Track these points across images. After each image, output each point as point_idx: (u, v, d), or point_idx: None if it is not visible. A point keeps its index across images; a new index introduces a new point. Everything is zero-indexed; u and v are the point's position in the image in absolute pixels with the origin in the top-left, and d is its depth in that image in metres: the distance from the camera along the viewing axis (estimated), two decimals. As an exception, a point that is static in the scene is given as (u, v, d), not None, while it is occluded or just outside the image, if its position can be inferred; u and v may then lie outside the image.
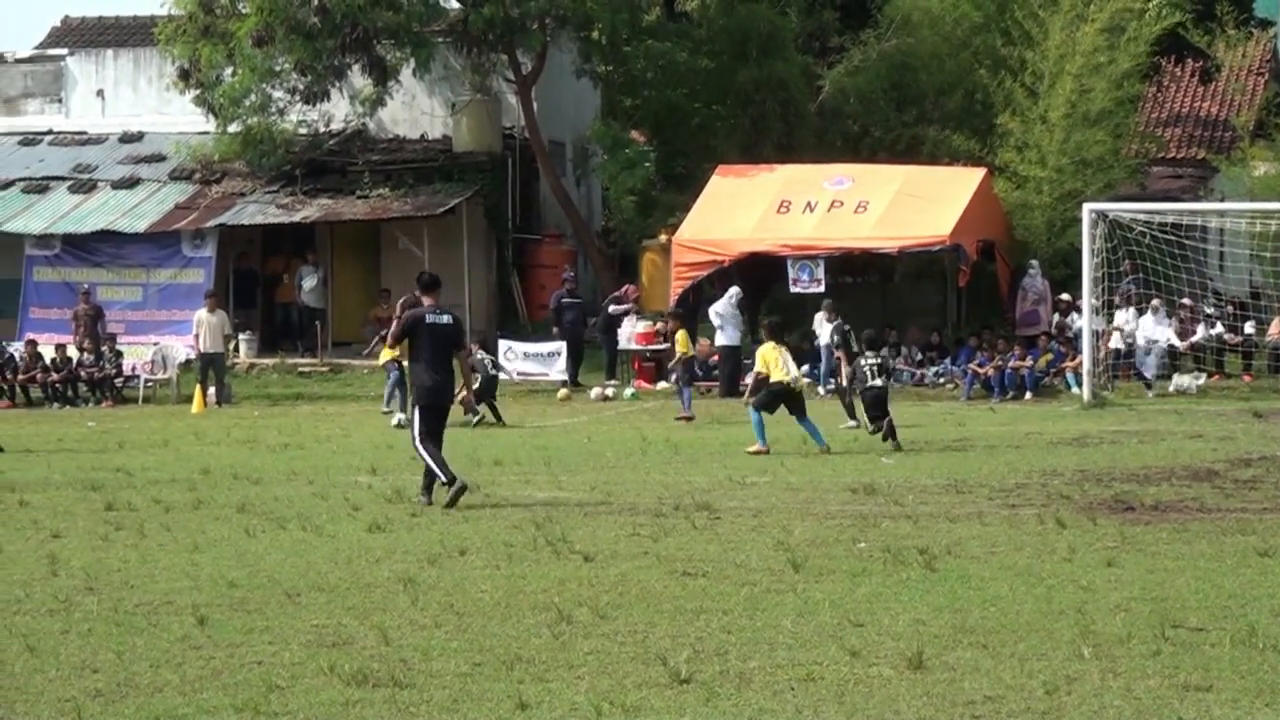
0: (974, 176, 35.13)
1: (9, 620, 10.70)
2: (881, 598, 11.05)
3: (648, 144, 41.20)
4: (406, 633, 10.13)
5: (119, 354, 35.70)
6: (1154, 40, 37.30)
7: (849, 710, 8.27)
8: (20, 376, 35.16)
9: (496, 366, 29.87)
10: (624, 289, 35.81)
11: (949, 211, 33.46)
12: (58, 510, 16.30)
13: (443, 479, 16.25)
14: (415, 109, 40.10)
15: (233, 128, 38.59)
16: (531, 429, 26.87)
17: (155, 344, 36.37)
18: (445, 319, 16.84)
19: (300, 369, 36.76)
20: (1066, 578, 11.71)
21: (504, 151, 39.04)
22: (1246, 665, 9.01)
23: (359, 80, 38.34)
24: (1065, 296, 34.05)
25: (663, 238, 36.59)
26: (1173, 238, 31.38)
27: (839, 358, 26.81)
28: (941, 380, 33.31)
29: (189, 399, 33.14)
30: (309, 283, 38.22)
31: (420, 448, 16.47)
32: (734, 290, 33.16)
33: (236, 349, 36.99)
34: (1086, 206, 31.13)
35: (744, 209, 34.46)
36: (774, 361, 22.11)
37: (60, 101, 42.64)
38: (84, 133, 42.02)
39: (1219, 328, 33.07)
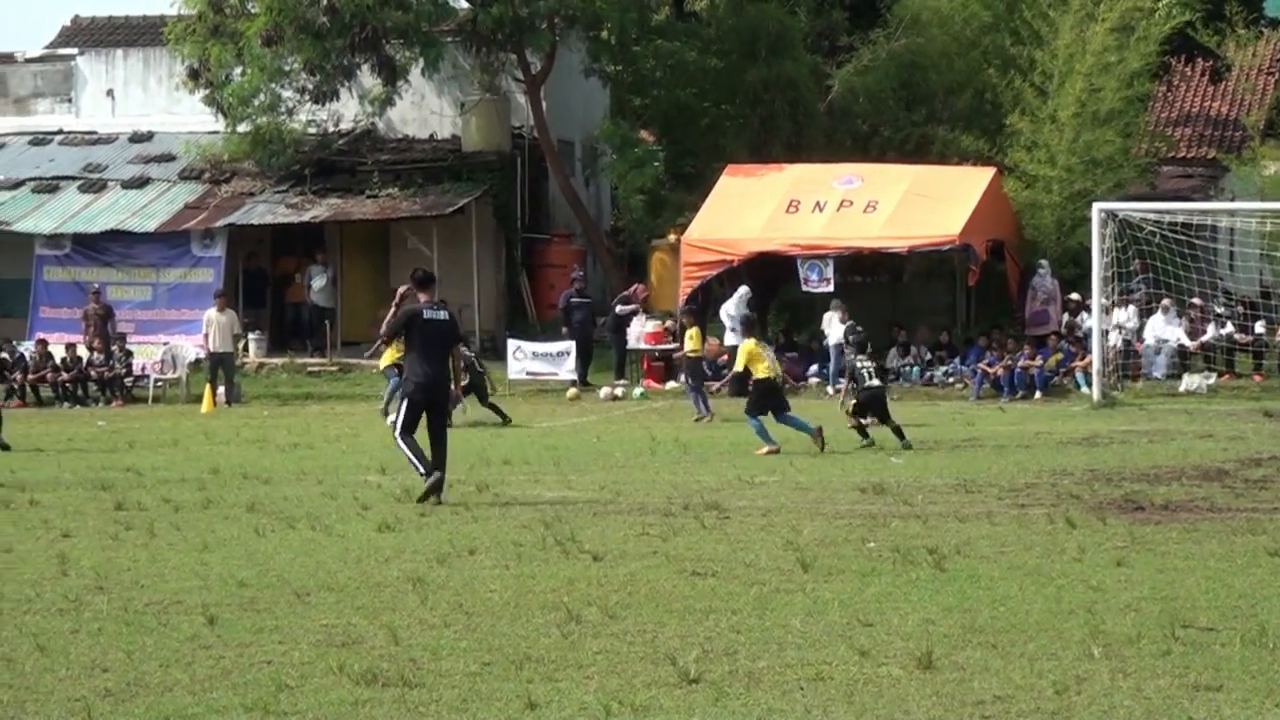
0: (983, 176, 35.11)
1: (19, 619, 10.71)
2: (891, 597, 11.04)
3: (657, 143, 41.20)
4: (416, 632, 10.13)
5: (129, 353, 35.73)
6: (1164, 39, 37.25)
7: (858, 710, 8.26)
8: (30, 376, 35.20)
9: (481, 364, 29.56)
10: (633, 288, 35.80)
11: (958, 211, 33.44)
12: (68, 510, 16.31)
13: (420, 471, 16.45)
14: (424, 109, 40.12)
15: (242, 127, 38.62)
16: (540, 429, 26.87)
17: (165, 343, 36.40)
18: (442, 315, 16.98)
19: (309, 369, 36.80)
20: (1076, 577, 11.69)
21: (513, 151, 39.05)
22: (1257, 665, 8.99)
23: (368, 80, 38.37)
24: (1075, 296, 34.02)
25: (672, 237, 36.60)
26: (1183, 237, 31.35)
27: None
28: (951, 380, 33.29)
29: (198, 398, 33.19)
30: (318, 282, 38.25)
31: (399, 439, 16.69)
32: (743, 290, 33.17)
33: (246, 348, 37.04)
34: (1096, 206, 31.12)
35: (753, 208, 34.46)
36: (757, 357, 22.07)
37: (70, 101, 42.69)
38: (94, 132, 42.07)
39: (1229, 327, 33.03)
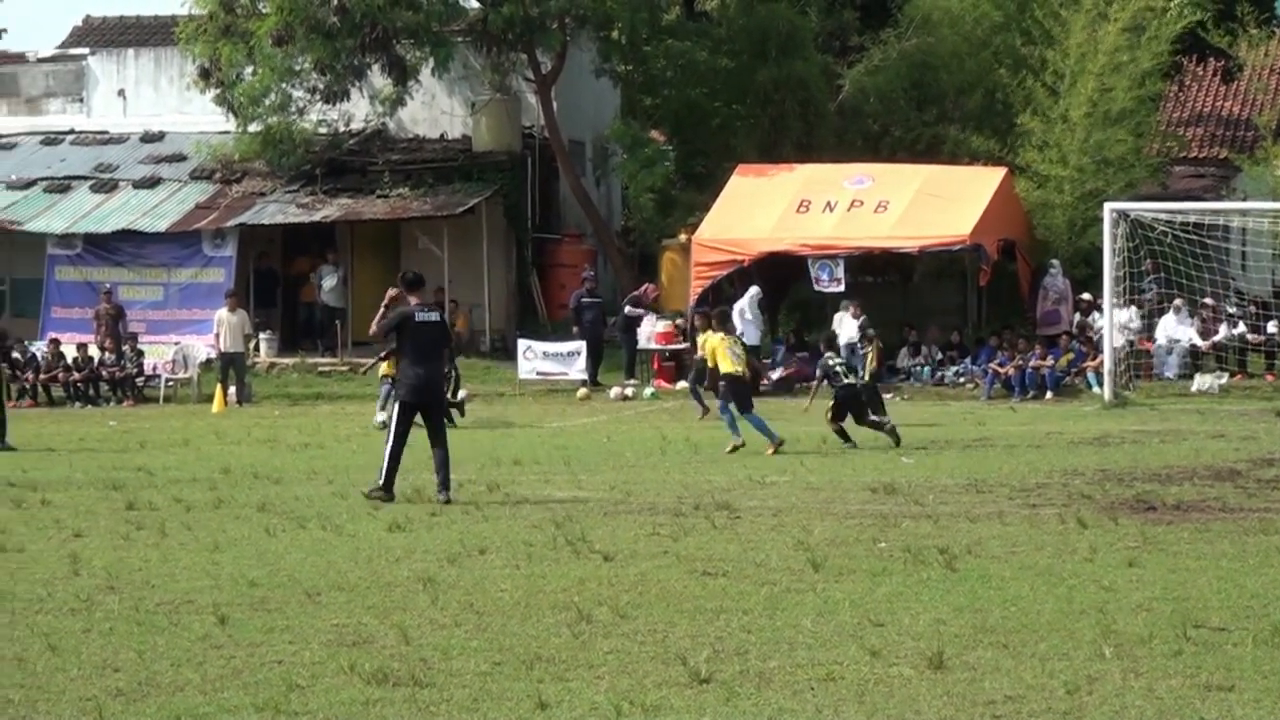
0: (995, 176, 35.07)
1: (31, 619, 10.73)
2: (902, 597, 11.03)
3: (667, 143, 41.19)
4: (426, 632, 10.14)
5: (140, 353, 35.77)
6: (1175, 39, 37.20)
7: (869, 710, 8.26)
8: (42, 376, 35.26)
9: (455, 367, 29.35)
10: (643, 288, 35.79)
11: (969, 211, 33.40)
12: (79, 509, 16.34)
13: (380, 480, 16.48)
14: (435, 108, 40.14)
15: (253, 127, 38.66)
16: (551, 428, 26.88)
17: (176, 343, 36.43)
18: (434, 316, 17.04)
19: (320, 368, 36.83)
20: (1088, 577, 11.68)
21: (523, 151, 39.08)
22: (1269, 665, 8.98)
23: (379, 80, 38.40)
24: (1086, 296, 33.99)
25: (682, 237, 36.58)
26: (1194, 237, 31.31)
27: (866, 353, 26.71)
28: (962, 380, 33.26)
29: (210, 398, 33.22)
30: (329, 282, 38.28)
31: (385, 446, 16.67)
32: (754, 290, 33.16)
33: (257, 348, 37.06)
34: (1108, 206, 31.09)
35: (764, 208, 34.44)
36: (721, 351, 21.95)
37: (82, 101, 42.75)
38: (105, 132, 42.13)
39: (1241, 327, 32.99)
